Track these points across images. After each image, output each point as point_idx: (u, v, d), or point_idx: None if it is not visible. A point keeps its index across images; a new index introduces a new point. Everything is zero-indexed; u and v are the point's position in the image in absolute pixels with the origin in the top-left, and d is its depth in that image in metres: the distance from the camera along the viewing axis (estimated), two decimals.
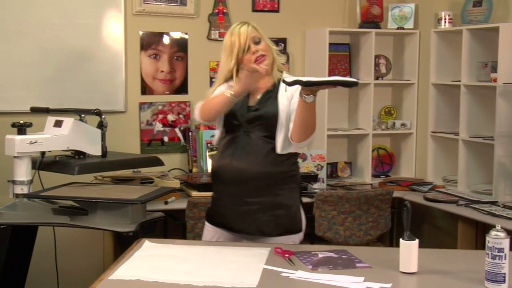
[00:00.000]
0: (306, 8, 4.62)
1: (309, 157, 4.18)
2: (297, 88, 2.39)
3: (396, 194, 3.95)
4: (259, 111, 2.54)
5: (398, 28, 4.56)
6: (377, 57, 4.63)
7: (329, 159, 4.38)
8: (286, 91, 2.53)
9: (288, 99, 2.52)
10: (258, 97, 2.58)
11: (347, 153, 4.74)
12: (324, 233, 3.67)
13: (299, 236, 2.57)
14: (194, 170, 4.18)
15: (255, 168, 2.49)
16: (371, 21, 4.56)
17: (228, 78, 2.59)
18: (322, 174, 4.20)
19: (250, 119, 2.54)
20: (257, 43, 2.56)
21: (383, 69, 4.71)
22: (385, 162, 4.76)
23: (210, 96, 2.58)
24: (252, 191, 2.51)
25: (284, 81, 2.31)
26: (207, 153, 4.15)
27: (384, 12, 4.60)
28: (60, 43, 3.98)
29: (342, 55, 4.67)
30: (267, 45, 2.58)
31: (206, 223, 2.67)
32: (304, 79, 2.25)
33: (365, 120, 4.52)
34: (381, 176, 4.61)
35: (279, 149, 2.50)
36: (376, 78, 4.57)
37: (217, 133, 2.67)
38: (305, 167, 4.12)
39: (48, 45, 3.95)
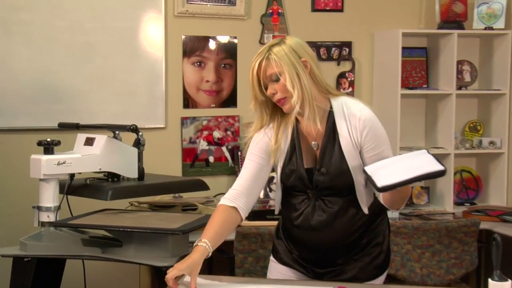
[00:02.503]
0: (375, 6, 4.61)
1: None
2: (366, 132, 2.35)
3: (484, 225, 3.87)
4: (327, 176, 2.40)
5: (485, 29, 4.49)
6: (460, 63, 4.56)
7: None
8: (350, 132, 2.38)
9: (354, 147, 2.38)
10: (315, 148, 2.45)
11: None
12: (396, 271, 3.62)
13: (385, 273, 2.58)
14: None
15: (345, 232, 2.43)
16: (453, 20, 4.50)
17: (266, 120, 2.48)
18: None
19: (319, 186, 2.42)
20: (274, 81, 2.35)
21: (467, 77, 4.64)
22: (470, 187, 4.67)
23: (249, 143, 2.51)
24: (344, 251, 2.48)
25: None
26: None
27: (468, 9, 4.54)
28: (92, 49, 4.07)
29: (418, 61, 4.63)
30: (288, 81, 2.32)
31: (276, 263, 2.62)
32: (379, 182, 2.15)
33: (446, 137, 4.46)
34: (465, 204, 4.53)
35: (366, 210, 2.43)
36: (459, 88, 4.51)
37: (276, 196, 2.57)
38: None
39: (79, 52, 4.05)
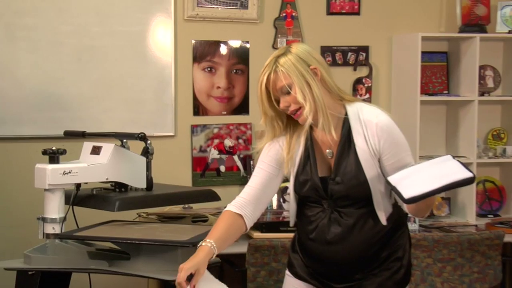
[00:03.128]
0: (393, 9, 4.60)
1: None
2: (384, 139, 2.34)
3: (508, 238, 3.84)
4: (343, 186, 2.40)
5: (509, 32, 4.48)
6: (482, 68, 4.55)
7: None
8: (367, 139, 2.37)
9: (371, 155, 2.37)
10: (330, 156, 2.45)
11: None
12: (416, 285, 3.60)
13: None
14: None
15: (362, 246, 2.43)
16: (475, 23, 4.50)
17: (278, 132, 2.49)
18: None
19: (334, 196, 2.42)
20: (285, 93, 2.36)
21: (490, 83, 4.63)
22: (493, 198, 4.65)
23: (260, 156, 2.53)
24: (362, 266, 2.47)
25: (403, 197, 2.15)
26: None
27: (491, 12, 4.53)
28: (99, 55, 4.10)
29: (438, 66, 4.62)
30: (299, 92, 2.33)
31: (292, 277, 2.62)
32: (406, 193, 2.13)
33: (468, 145, 4.45)
34: (489, 216, 4.52)
35: (385, 222, 2.42)
36: (482, 94, 4.50)
37: (291, 208, 2.57)
38: None
39: (85, 57, 4.08)
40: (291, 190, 2.52)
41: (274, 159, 2.48)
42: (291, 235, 2.69)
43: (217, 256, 3.17)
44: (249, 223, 2.47)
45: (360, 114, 2.40)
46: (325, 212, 2.44)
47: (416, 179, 2.18)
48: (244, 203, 2.47)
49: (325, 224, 2.43)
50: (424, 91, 4.49)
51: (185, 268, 2.23)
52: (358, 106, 2.43)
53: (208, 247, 2.31)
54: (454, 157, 2.23)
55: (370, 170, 2.36)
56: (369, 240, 2.43)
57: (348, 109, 2.42)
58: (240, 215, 2.45)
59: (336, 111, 2.40)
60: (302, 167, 2.46)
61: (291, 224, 2.59)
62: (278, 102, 2.39)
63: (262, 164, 2.50)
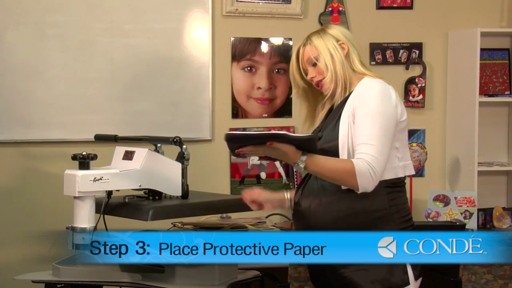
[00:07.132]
0: (449, 2, 4.58)
1: (453, 201, 4.09)
2: (358, 104, 2.53)
3: None
4: (322, 140, 2.63)
5: None
6: None
7: (481, 204, 4.28)
8: (352, 100, 2.59)
9: (349, 115, 2.57)
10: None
11: (506, 196, 4.63)
12: None
13: None
14: None
15: (320, 214, 2.60)
16: None
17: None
18: (472, 223, 4.11)
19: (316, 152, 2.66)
20: (312, 65, 2.70)
21: None
22: None
23: None
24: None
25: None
26: None
27: None
28: (132, 53, 4.14)
29: (500, 64, 4.58)
30: (323, 63, 2.67)
31: None
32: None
33: None
34: None
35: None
36: None
37: None
38: (448, 214, 4.04)
39: (118, 57, 4.13)
40: None
41: None
42: None
43: (258, 269, 3.20)
44: None
45: (362, 84, 2.61)
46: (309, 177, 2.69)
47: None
48: None
49: (304, 185, 2.69)
50: (483, 92, 4.45)
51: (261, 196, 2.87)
52: (372, 79, 2.62)
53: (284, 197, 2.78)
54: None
55: (342, 129, 2.56)
56: (333, 208, 2.57)
57: (361, 82, 2.64)
58: None
59: (354, 85, 2.65)
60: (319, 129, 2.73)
61: None
62: (307, 74, 2.72)
63: None
